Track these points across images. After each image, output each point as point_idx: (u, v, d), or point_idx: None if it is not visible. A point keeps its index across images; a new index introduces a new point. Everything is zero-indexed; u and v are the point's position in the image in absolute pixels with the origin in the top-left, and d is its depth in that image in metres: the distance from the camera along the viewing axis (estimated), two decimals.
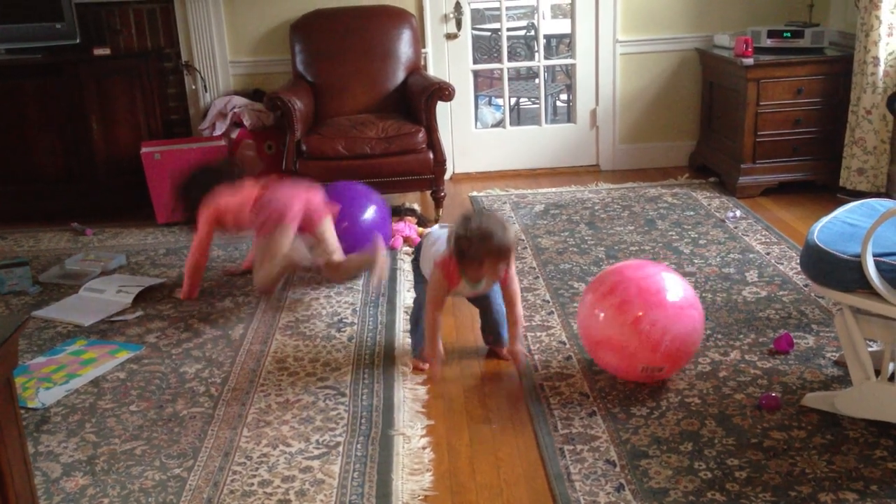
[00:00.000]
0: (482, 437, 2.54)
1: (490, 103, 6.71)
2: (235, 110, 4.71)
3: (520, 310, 2.86)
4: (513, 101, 6.54)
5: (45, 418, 2.72)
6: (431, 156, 4.43)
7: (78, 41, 4.74)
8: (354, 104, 4.79)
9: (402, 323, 3.29)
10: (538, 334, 3.13)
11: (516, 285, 2.86)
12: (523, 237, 4.17)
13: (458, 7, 5.09)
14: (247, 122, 4.65)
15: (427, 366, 2.91)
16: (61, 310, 3.55)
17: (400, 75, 4.85)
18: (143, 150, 4.55)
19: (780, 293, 3.38)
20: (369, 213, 3.82)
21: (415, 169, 4.43)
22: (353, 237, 3.63)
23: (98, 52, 4.70)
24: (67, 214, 4.73)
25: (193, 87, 5.02)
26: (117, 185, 4.78)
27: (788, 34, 4.64)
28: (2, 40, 4.71)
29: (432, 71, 5.10)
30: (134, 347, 3.19)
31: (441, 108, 4.63)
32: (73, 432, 2.64)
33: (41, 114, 4.67)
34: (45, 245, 4.42)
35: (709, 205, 4.52)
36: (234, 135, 4.69)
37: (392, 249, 4.05)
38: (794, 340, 2.96)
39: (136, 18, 4.94)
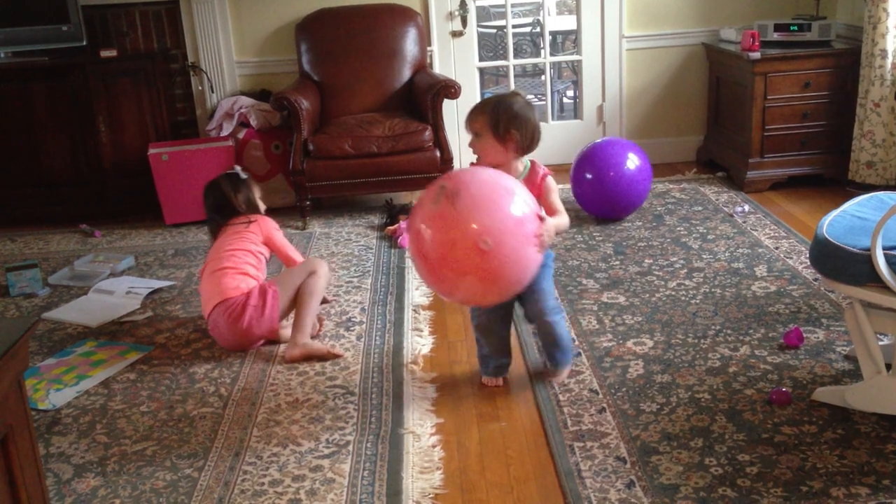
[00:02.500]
0: (492, 434, 2.54)
1: None
2: (242, 111, 4.72)
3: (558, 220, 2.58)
4: None
5: (56, 420, 2.73)
6: (438, 154, 4.44)
7: (84, 43, 4.75)
8: (361, 103, 4.79)
9: (410, 321, 3.29)
10: None
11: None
12: None
13: (463, 4, 5.08)
14: (254, 123, 4.66)
15: (500, 381, 2.81)
16: (71, 311, 3.56)
17: (406, 74, 4.85)
18: (151, 151, 4.57)
19: (790, 287, 3.37)
20: (632, 162, 4.11)
21: (422, 167, 4.43)
22: (619, 186, 4.09)
23: (105, 54, 4.71)
24: (76, 216, 4.75)
25: (200, 87, 5.03)
26: (125, 187, 4.79)
27: (795, 27, 4.62)
28: (8, 43, 4.73)
29: (438, 69, 5.10)
30: (144, 348, 3.19)
31: (447, 105, 4.63)
32: (83, 433, 2.65)
33: (49, 116, 4.69)
34: (54, 247, 4.43)
35: (717, 200, 4.50)
36: (241, 135, 4.70)
37: (400, 248, 4.05)
38: (805, 335, 2.95)
39: (142, 20, 4.95)
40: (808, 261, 3.43)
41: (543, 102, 5.53)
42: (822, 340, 2.93)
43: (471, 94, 5.18)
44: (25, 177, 4.76)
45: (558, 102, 6.64)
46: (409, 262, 3.88)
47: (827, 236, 2.40)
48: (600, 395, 2.68)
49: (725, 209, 4.33)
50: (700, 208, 4.37)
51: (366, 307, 3.44)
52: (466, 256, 2.31)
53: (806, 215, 4.20)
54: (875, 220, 2.32)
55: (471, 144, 2.66)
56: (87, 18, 4.80)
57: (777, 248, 3.78)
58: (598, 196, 4.17)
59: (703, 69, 5.15)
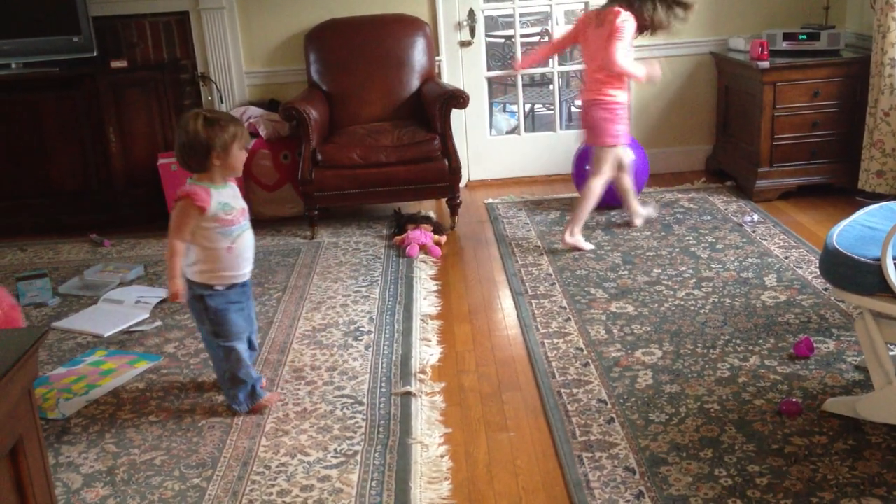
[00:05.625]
0: (500, 445, 2.53)
1: (504, 110, 6.70)
2: (251, 121, 4.73)
3: None
4: (527, 107, 6.53)
5: (66, 429, 2.74)
6: (446, 163, 4.44)
7: (95, 54, 4.78)
8: (369, 113, 4.80)
9: (418, 331, 3.29)
10: (555, 341, 3.12)
11: None
12: (539, 243, 4.16)
13: (471, 14, 5.09)
14: (262, 133, 4.67)
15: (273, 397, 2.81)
16: (81, 321, 3.57)
17: (414, 83, 4.86)
18: (161, 161, 4.58)
19: (800, 297, 3.36)
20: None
21: (430, 176, 4.43)
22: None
23: (115, 64, 4.74)
24: (86, 226, 4.76)
25: (209, 98, 5.05)
26: (135, 197, 4.81)
27: (804, 37, 4.62)
28: (20, 54, 4.76)
29: (446, 78, 5.11)
30: (153, 358, 3.20)
31: (456, 115, 4.63)
32: (93, 443, 2.65)
33: (59, 126, 4.72)
34: (64, 256, 4.45)
35: (726, 209, 4.49)
36: (249, 145, 4.70)
37: (408, 258, 4.05)
38: (815, 345, 2.93)
39: (152, 31, 4.98)
40: (817, 271, 3.42)
41: (552, 112, 5.53)
42: (832, 351, 2.92)
43: (479, 104, 5.19)
44: (35, 187, 4.78)
45: (566, 112, 6.64)
46: (417, 272, 3.88)
47: (837, 246, 2.39)
48: (609, 406, 2.67)
49: (734, 219, 4.32)
50: (709, 218, 4.36)
51: (374, 317, 3.44)
52: None
53: (815, 225, 4.19)
54: (885, 230, 2.31)
55: None
56: (97, 29, 4.83)
57: (787, 258, 3.77)
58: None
59: (712, 78, 5.14)
